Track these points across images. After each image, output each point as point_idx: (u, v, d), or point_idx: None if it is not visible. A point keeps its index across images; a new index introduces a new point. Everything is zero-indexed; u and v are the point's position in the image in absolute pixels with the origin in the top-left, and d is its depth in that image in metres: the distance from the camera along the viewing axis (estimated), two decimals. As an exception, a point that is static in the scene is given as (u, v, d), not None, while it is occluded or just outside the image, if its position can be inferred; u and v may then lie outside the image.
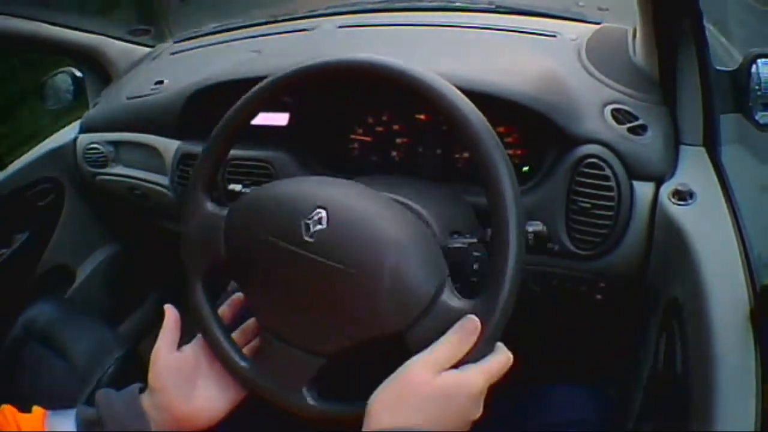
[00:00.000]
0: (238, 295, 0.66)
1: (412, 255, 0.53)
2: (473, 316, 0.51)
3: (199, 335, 0.63)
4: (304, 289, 0.55)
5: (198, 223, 0.63)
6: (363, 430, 0.49)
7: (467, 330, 0.51)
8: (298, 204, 0.57)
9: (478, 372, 0.51)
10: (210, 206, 0.63)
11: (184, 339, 0.63)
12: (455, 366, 0.51)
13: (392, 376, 0.51)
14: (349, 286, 0.53)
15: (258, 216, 0.59)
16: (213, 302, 0.63)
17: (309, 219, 0.55)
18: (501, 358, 0.52)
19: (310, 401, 0.56)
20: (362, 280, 0.52)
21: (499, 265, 0.51)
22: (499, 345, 0.52)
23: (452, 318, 0.51)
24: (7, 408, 0.56)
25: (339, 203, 0.56)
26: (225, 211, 0.62)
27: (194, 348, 0.62)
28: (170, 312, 0.63)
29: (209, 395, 0.61)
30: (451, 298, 0.53)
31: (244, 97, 0.63)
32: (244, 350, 0.63)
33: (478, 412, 0.51)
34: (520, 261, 0.51)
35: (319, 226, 0.54)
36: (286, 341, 0.58)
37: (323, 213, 0.55)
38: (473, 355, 0.51)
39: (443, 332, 0.51)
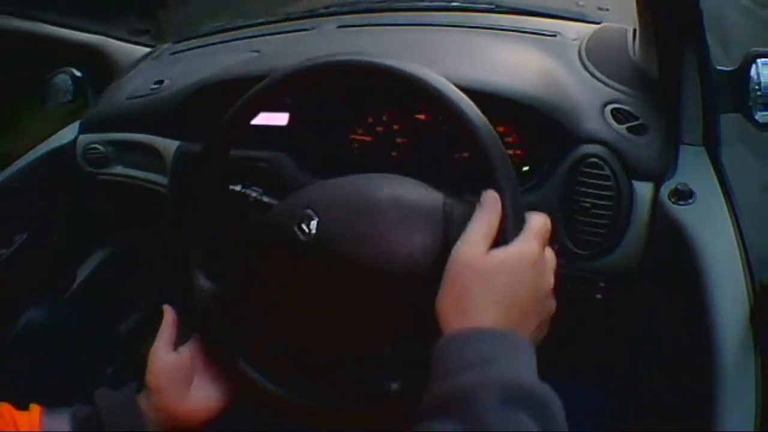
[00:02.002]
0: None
1: (408, 186, 0.55)
2: (488, 190, 0.51)
3: (197, 335, 0.63)
4: (318, 289, 0.55)
5: (198, 302, 0.62)
6: (443, 337, 0.47)
7: (489, 201, 0.50)
8: (284, 218, 0.57)
9: (526, 238, 0.50)
10: (203, 282, 0.62)
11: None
12: (497, 244, 0.49)
13: (445, 271, 0.49)
14: (368, 249, 0.53)
15: (256, 254, 0.59)
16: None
17: (301, 222, 0.55)
18: (538, 218, 0.52)
19: (396, 390, 0.54)
20: (372, 237, 0.53)
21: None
22: (529, 213, 0.52)
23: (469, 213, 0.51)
24: (4, 406, 0.56)
25: (321, 194, 0.57)
26: (227, 281, 0.61)
27: (191, 348, 0.62)
28: (169, 312, 0.63)
29: (206, 395, 0.61)
30: (457, 206, 0.53)
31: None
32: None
33: (551, 281, 0.51)
34: None
35: (312, 222, 0.55)
36: (340, 353, 0.57)
37: (310, 211, 0.55)
38: (510, 231, 0.50)
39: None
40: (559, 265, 0.54)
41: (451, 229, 0.52)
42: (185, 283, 0.64)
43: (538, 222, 0.52)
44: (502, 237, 0.50)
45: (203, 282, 0.62)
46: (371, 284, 0.53)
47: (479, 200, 0.52)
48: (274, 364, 0.59)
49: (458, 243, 0.50)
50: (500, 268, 0.48)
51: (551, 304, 0.52)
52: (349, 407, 0.55)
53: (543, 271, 0.50)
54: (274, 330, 0.63)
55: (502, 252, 0.49)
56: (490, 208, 0.50)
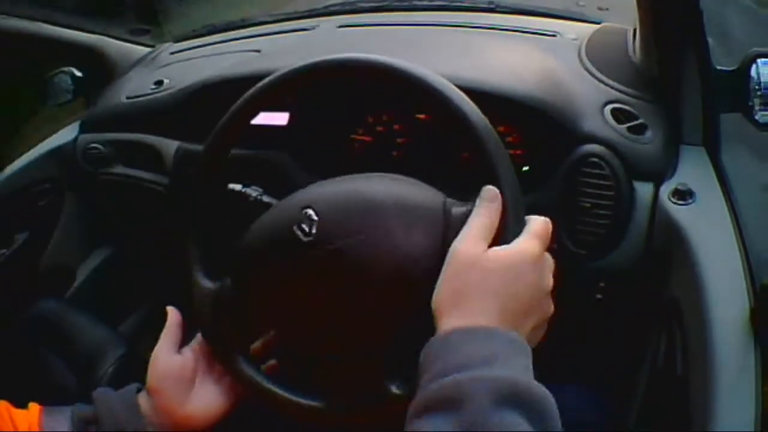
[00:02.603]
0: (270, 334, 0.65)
1: (408, 185, 0.55)
2: (488, 186, 0.51)
3: (199, 336, 0.63)
4: (329, 288, 0.55)
5: (198, 302, 0.62)
6: (437, 334, 0.47)
7: (488, 197, 0.50)
8: (284, 217, 0.57)
9: (527, 238, 0.49)
10: (204, 282, 0.62)
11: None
12: (496, 242, 0.49)
13: (443, 267, 0.49)
14: (368, 248, 0.53)
15: (256, 253, 0.59)
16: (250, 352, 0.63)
17: (301, 222, 0.55)
18: (538, 220, 0.51)
19: (396, 390, 0.54)
20: (372, 236, 0.53)
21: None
22: (530, 216, 0.52)
23: (469, 212, 0.51)
24: (2, 404, 0.56)
25: (321, 194, 0.57)
26: (227, 280, 0.61)
27: (194, 350, 0.62)
28: (173, 314, 0.63)
29: (207, 398, 0.60)
30: (457, 204, 0.54)
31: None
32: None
33: (549, 282, 0.50)
34: None
35: (312, 221, 0.55)
36: (338, 353, 0.56)
37: (310, 210, 0.55)
38: (509, 232, 0.50)
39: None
40: (559, 265, 0.54)
41: (450, 229, 0.52)
42: (185, 283, 0.64)
43: (539, 223, 0.51)
44: (502, 235, 0.50)
45: (203, 281, 0.62)
46: (371, 284, 0.53)
47: (479, 196, 0.51)
48: (296, 376, 0.59)
49: (457, 238, 0.50)
50: (499, 266, 0.47)
51: (549, 306, 0.51)
52: (349, 408, 0.55)
53: (542, 271, 0.50)
54: (273, 329, 0.63)
55: (501, 250, 0.48)
56: (489, 204, 0.50)
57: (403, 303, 0.53)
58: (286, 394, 0.57)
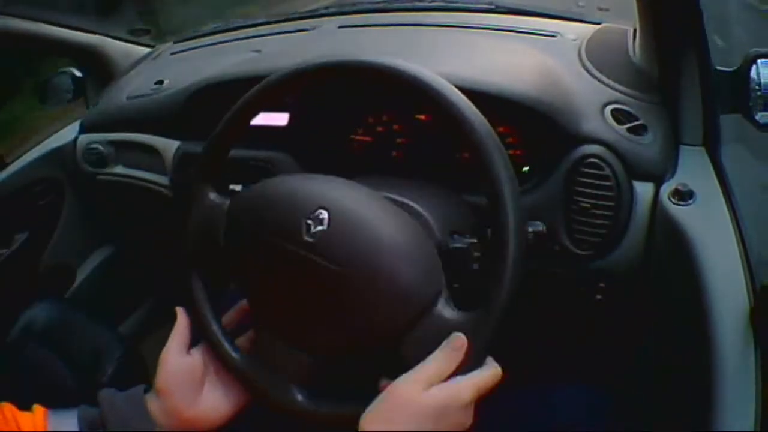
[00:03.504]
0: (245, 301, 0.66)
1: (410, 263, 0.53)
2: (460, 334, 0.51)
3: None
4: (300, 288, 0.55)
5: (200, 213, 0.63)
6: None
7: (454, 347, 0.51)
8: (300, 203, 0.57)
9: (468, 385, 0.51)
10: (213, 196, 0.63)
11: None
12: (445, 380, 0.51)
13: (382, 394, 0.51)
14: (346, 289, 0.53)
15: (260, 211, 0.59)
16: (210, 293, 0.63)
17: (310, 219, 0.55)
18: (491, 372, 0.53)
19: (300, 398, 0.56)
20: (359, 284, 0.52)
21: (496, 271, 0.51)
22: (489, 359, 0.53)
23: (444, 330, 0.52)
24: (7, 406, 0.56)
25: (341, 205, 0.56)
26: (227, 202, 0.62)
27: (203, 352, 0.62)
28: (182, 315, 0.63)
29: (215, 400, 0.61)
30: (446, 309, 0.53)
31: (248, 93, 0.63)
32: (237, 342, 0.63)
33: (469, 421, 0.52)
34: (519, 264, 0.51)
35: (320, 227, 0.54)
36: (280, 337, 0.58)
37: (325, 214, 0.55)
38: (462, 369, 0.51)
39: (436, 344, 0.52)
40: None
41: (425, 324, 0.52)
42: (186, 283, 0.64)
43: (489, 376, 0.52)
44: (452, 372, 0.51)
45: (210, 197, 0.63)
46: (350, 311, 0.53)
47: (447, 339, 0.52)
48: (270, 363, 0.60)
49: (402, 377, 0.51)
50: (430, 408, 0.50)
51: (467, 423, 0.53)
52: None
53: (468, 412, 0.52)
54: (272, 329, 0.63)
55: (439, 393, 0.50)
56: (451, 353, 0.51)
57: (368, 342, 0.54)
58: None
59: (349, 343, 0.55)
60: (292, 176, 0.64)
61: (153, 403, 0.59)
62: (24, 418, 0.56)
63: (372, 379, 0.54)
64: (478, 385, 0.52)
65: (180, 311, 0.63)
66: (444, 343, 0.52)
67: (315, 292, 0.55)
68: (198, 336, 0.63)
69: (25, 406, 0.58)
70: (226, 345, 0.61)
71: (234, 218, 0.61)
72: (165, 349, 0.61)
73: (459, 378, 0.51)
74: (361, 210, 0.56)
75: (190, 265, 0.63)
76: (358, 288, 0.53)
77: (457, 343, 0.51)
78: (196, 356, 0.61)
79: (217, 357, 0.61)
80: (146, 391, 0.60)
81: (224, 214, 0.62)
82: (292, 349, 0.57)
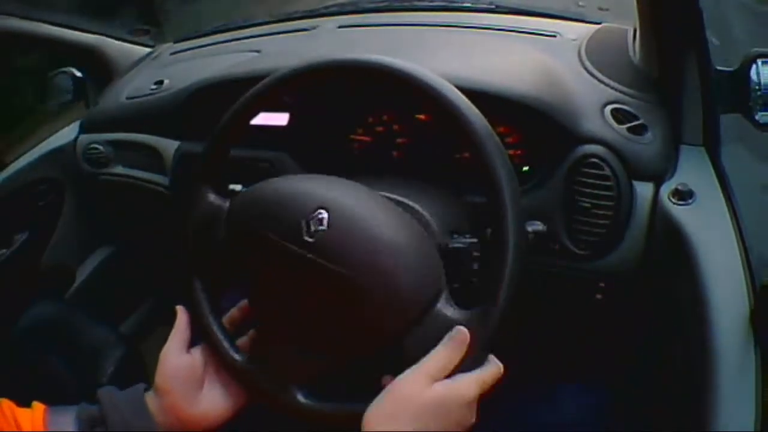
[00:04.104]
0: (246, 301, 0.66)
1: (410, 263, 0.53)
2: (462, 328, 0.51)
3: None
4: (300, 289, 0.55)
5: (199, 213, 0.63)
6: None
7: (457, 341, 0.51)
8: (300, 203, 0.56)
9: (471, 381, 0.51)
10: (212, 197, 0.63)
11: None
12: (448, 375, 0.51)
13: (385, 390, 0.51)
14: (346, 289, 0.53)
15: (259, 211, 0.59)
16: (210, 294, 0.63)
17: (310, 219, 0.55)
18: (493, 369, 0.53)
19: (301, 399, 0.56)
20: (359, 284, 0.52)
21: (496, 270, 0.51)
22: (491, 357, 0.53)
23: (446, 328, 0.52)
24: (6, 403, 0.56)
25: (341, 205, 0.56)
26: (227, 203, 0.62)
27: (203, 351, 0.62)
28: (182, 314, 0.63)
29: (215, 399, 0.61)
30: (446, 307, 0.53)
31: (247, 93, 0.63)
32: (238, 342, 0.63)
33: (472, 419, 0.52)
34: (519, 263, 0.51)
35: (320, 227, 0.54)
36: (281, 338, 0.58)
37: (325, 214, 0.55)
38: (465, 366, 0.51)
39: (437, 341, 0.52)
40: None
41: (425, 323, 0.52)
42: (186, 283, 0.64)
43: (492, 373, 0.53)
44: (453, 371, 0.51)
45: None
46: (350, 312, 0.54)
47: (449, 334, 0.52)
48: (271, 363, 0.60)
49: (405, 373, 0.51)
50: (432, 404, 0.50)
51: (471, 420, 0.53)
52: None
53: (472, 409, 0.52)
54: (273, 328, 0.63)
55: (442, 388, 0.50)
56: (454, 346, 0.51)
57: (369, 342, 0.54)
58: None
59: (350, 342, 0.55)
60: (292, 177, 0.64)
61: (153, 402, 0.59)
62: (23, 415, 0.56)
63: (373, 378, 0.54)
64: (481, 382, 0.52)
65: (180, 310, 0.63)
66: (446, 338, 0.52)
67: (315, 292, 0.54)
68: (198, 335, 0.63)
69: (25, 405, 0.58)
70: (227, 345, 0.61)
71: (234, 219, 0.61)
72: (165, 348, 0.61)
73: (461, 375, 0.51)
74: (361, 210, 0.56)
75: (190, 266, 0.63)
76: (359, 287, 0.53)
77: (459, 337, 0.51)
78: (196, 355, 0.61)
79: (218, 357, 0.61)
80: (146, 390, 0.60)
81: (224, 216, 0.62)
82: (292, 348, 0.57)
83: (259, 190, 0.61)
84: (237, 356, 0.60)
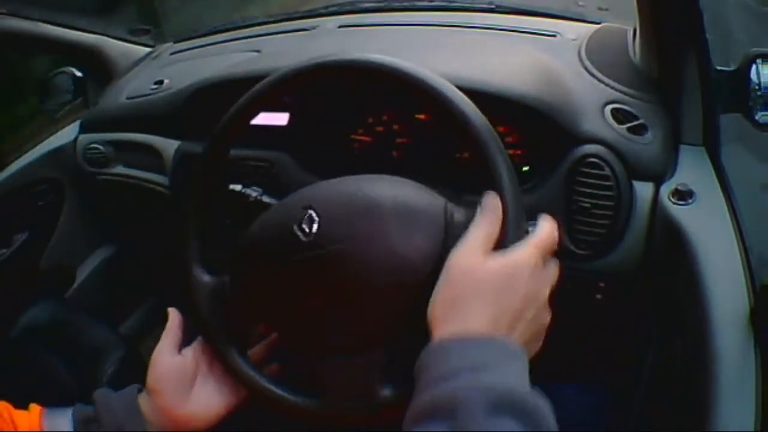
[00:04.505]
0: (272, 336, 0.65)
1: (410, 189, 0.55)
2: (489, 192, 0.51)
3: (200, 338, 0.63)
4: (315, 287, 0.55)
5: (202, 296, 0.62)
6: (432, 342, 0.47)
7: (490, 207, 0.50)
8: (287, 214, 0.57)
9: (527, 245, 0.49)
10: (207, 278, 0.62)
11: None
12: (497, 247, 0.49)
13: (441, 277, 0.49)
14: (354, 263, 0.53)
15: (257, 249, 0.59)
16: (239, 342, 0.62)
17: (302, 222, 0.55)
18: (545, 224, 0.51)
19: (388, 393, 0.53)
20: (372, 238, 0.53)
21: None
22: (541, 215, 0.52)
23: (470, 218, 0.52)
24: (3, 405, 0.56)
25: (323, 194, 0.57)
26: (226, 277, 0.61)
27: (194, 351, 0.62)
28: (174, 315, 0.63)
29: (207, 399, 0.61)
30: (456, 213, 0.54)
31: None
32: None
33: (547, 314, 0.50)
34: None
35: (312, 224, 0.55)
36: (333, 354, 0.56)
37: (311, 210, 0.56)
38: (510, 236, 0.50)
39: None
40: (558, 265, 0.54)
41: (451, 234, 0.52)
42: (184, 279, 0.64)
43: (545, 231, 0.51)
44: (502, 242, 0.50)
45: (202, 276, 0.62)
46: (369, 287, 0.53)
47: (480, 203, 0.51)
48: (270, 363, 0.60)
49: (456, 247, 0.50)
50: (495, 275, 0.47)
51: (546, 316, 0.51)
52: (341, 409, 0.55)
53: (539, 281, 0.49)
54: (270, 328, 0.63)
55: (499, 257, 0.48)
56: (491, 213, 0.50)
57: (400, 307, 0.53)
58: (280, 392, 0.57)
59: (394, 304, 0.53)
60: (266, 212, 0.63)
61: (146, 403, 0.59)
62: (21, 417, 0.56)
63: (376, 383, 0.53)
64: (539, 240, 0.49)
65: (172, 311, 0.63)
66: (478, 210, 0.51)
67: (328, 284, 0.54)
68: (190, 336, 0.63)
69: (25, 406, 0.58)
70: (289, 395, 0.58)
71: (237, 272, 0.60)
72: (156, 349, 0.61)
73: (517, 244, 0.49)
74: (343, 187, 0.58)
75: (227, 345, 0.61)
76: (373, 241, 0.52)
77: (491, 202, 0.50)
78: (188, 356, 0.61)
79: (238, 379, 0.60)
80: (140, 391, 0.60)
81: (223, 286, 0.61)
82: (350, 357, 0.55)
83: (247, 238, 0.61)
84: (299, 399, 0.57)
